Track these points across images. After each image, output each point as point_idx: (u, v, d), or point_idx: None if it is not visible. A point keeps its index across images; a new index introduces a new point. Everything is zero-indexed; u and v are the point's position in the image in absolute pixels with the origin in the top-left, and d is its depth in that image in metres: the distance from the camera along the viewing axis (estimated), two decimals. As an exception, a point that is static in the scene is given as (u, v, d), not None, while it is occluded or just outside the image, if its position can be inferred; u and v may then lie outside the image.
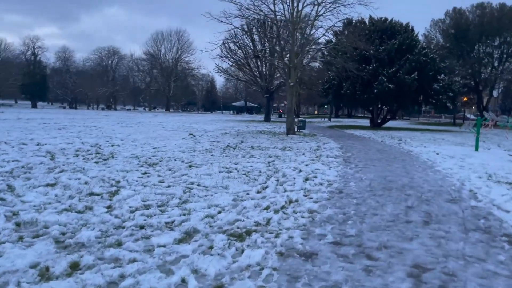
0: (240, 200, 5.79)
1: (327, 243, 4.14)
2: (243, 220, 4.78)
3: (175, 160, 9.74)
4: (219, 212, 5.14)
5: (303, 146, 14.66)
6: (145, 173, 7.81)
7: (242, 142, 15.55)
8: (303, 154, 11.92)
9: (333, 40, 23.65)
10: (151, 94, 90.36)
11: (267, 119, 39.78)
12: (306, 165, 9.65)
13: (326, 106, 70.90)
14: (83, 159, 9.42)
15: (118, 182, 6.79)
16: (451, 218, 5.25)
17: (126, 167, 8.42)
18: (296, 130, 24.72)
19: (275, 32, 18.85)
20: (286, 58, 18.62)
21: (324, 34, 18.90)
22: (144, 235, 4.18)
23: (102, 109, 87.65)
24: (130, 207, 5.20)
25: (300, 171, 8.65)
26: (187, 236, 4.20)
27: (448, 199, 6.43)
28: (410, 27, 29.68)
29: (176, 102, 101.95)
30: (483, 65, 45.03)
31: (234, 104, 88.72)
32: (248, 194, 6.24)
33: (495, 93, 50.91)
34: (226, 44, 33.86)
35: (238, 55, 37.21)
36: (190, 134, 18.64)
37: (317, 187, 7.07)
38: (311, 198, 6.19)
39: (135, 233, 4.23)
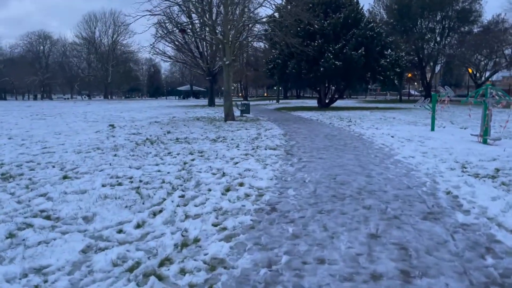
0: (95, 250, 3.39)
1: None
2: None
3: (53, 167, 7.07)
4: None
5: (240, 135, 12.38)
6: (-17, 195, 5.14)
7: (168, 133, 12.99)
8: (237, 147, 9.64)
9: (275, 15, 21.42)
10: (88, 81, 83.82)
11: (211, 104, 37.08)
12: (236, 163, 7.39)
13: (275, 88, 69.23)
14: None
15: None
16: (442, 261, 3.21)
17: (-36, 185, 5.68)
18: (239, 114, 22.48)
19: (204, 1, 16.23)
20: (220, 34, 16.12)
21: (261, 5, 16.47)
22: None
23: (34, 98, 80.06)
24: None
25: (224, 175, 6.36)
26: None
27: (424, 213, 4.45)
28: (355, 0, 28.07)
29: (118, 89, 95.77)
30: (426, 40, 44.99)
31: (179, 88, 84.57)
32: (121, 231, 3.85)
33: (437, 69, 51.65)
34: (161, 23, 30.58)
35: (175, 35, 33.88)
36: (110, 126, 15.73)
37: (240, 203, 4.83)
38: (224, 229, 3.93)
39: None
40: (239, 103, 24.45)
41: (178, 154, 8.41)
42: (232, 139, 11.16)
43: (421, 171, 6.67)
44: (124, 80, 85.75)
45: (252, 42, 30.78)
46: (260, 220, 4.22)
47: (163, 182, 5.81)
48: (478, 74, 41.44)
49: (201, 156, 8.19)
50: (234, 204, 4.75)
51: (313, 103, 38.27)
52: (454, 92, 12.75)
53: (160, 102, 52.94)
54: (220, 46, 16.58)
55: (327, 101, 31.08)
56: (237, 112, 23.56)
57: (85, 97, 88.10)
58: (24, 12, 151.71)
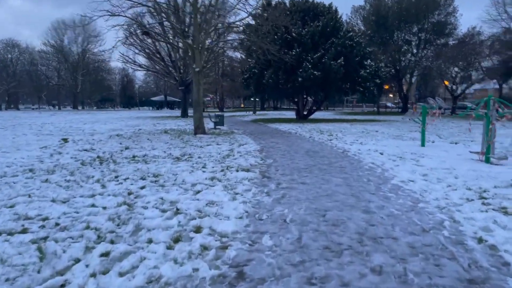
0: None
1: None
2: None
3: (-51, 201, 5.29)
4: None
5: (210, 151, 10.80)
6: None
7: (126, 149, 11.26)
8: (203, 167, 8.06)
9: (251, 21, 20.13)
10: (58, 91, 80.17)
11: (183, 115, 35.26)
12: (197, 192, 5.80)
13: (252, 99, 67.94)
14: None
15: None
16: None
17: None
18: (213, 127, 20.89)
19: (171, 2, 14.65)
20: (190, 39, 14.57)
21: (234, 8, 15.05)
22: None
23: (-1, 109, 75.71)
24: None
25: (177, 212, 4.76)
26: None
27: (462, 280, 3.01)
28: (334, 8, 27.17)
29: (89, 98, 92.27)
30: (403, 52, 44.85)
31: (153, 99, 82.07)
32: None
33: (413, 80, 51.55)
34: (131, 30, 28.71)
35: (145, 41, 32.13)
36: (62, 140, 13.83)
37: (191, 265, 3.26)
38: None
39: None
40: (212, 114, 22.88)
41: (126, 179, 6.73)
42: (199, 157, 9.56)
43: (431, 203, 5.27)
44: (95, 90, 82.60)
45: (226, 50, 29.37)
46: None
47: (88, 227, 4.16)
48: (454, 87, 41.33)
49: (155, 181, 6.55)
50: (182, 269, 3.17)
51: (291, 114, 37.09)
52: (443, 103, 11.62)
53: (131, 113, 50.63)
54: (189, 52, 15.03)
55: (305, 112, 29.89)
56: (210, 124, 21.98)
57: (53, 107, 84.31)
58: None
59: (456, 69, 39.89)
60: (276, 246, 3.75)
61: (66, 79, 73.05)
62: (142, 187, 6.08)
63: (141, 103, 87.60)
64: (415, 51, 45.02)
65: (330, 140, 14.16)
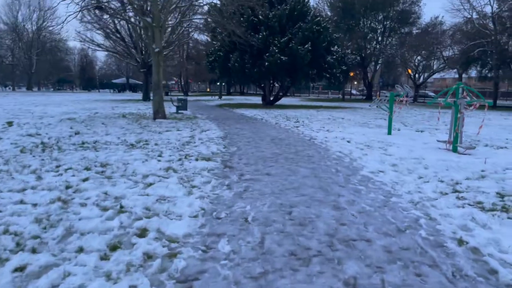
0: None
1: None
2: None
3: None
4: None
5: (168, 137, 10.05)
6: None
7: (76, 134, 10.30)
8: (159, 156, 7.35)
9: (216, 1, 19.22)
10: (12, 71, 75.10)
11: (145, 98, 33.79)
12: (148, 185, 5.13)
13: (218, 83, 66.63)
14: None
15: None
16: None
17: None
18: (175, 111, 19.97)
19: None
20: (149, 16, 13.50)
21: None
22: None
23: None
24: None
25: (120, 211, 4.09)
26: None
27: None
28: (302, -9, 26.54)
29: (46, 79, 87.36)
30: (368, 40, 45.16)
31: (115, 81, 78.80)
32: None
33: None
34: (90, 8, 26.76)
35: (104, 19, 30.22)
36: (7, 123, 12.57)
37: (127, 281, 2.64)
38: None
39: None
40: (174, 98, 21.91)
41: (68, 169, 5.93)
42: (156, 144, 8.81)
43: (403, 196, 4.90)
44: (52, 71, 78.10)
45: (191, 31, 28.20)
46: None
47: (7, 231, 3.42)
48: (417, 75, 42.21)
49: (102, 172, 5.80)
50: (115, 287, 2.55)
51: (257, 100, 36.52)
52: (412, 91, 11.43)
53: (90, 96, 48.20)
54: (149, 32, 14.00)
55: (271, 98, 29.40)
56: (172, 109, 21.05)
57: (8, 88, 79.10)
58: None
59: (419, 57, 40.67)
60: (235, 253, 3.20)
61: (20, 58, 68.49)
62: (85, 179, 5.33)
63: (102, 86, 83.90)
64: (380, 39, 45.45)
65: (297, 127, 13.73)
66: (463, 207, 4.44)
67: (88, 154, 7.28)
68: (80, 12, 19.88)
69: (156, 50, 13.42)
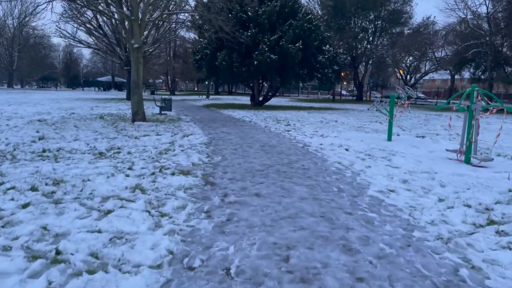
0: None
1: None
2: None
3: None
4: None
5: (145, 144, 8.91)
6: None
7: (40, 139, 9.09)
8: (130, 169, 6.23)
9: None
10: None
11: (129, 97, 32.37)
12: (105, 213, 4.03)
13: (206, 83, 65.21)
14: None
15: None
16: None
17: None
18: (158, 112, 18.78)
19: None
20: (127, 9, 12.32)
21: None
22: None
23: None
24: None
25: (55, 259, 2.98)
26: None
27: None
28: (293, -12, 25.51)
29: (28, 77, 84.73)
30: (359, 40, 44.40)
31: (100, 79, 76.90)
32: None
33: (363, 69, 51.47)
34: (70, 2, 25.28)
35: (86, 15, 28.78)
36: (-35, 126, 11.27)
37: None
38: None
39: None
40: (158, 97, 20.71)
41: (9, 189, 4.76)
42: (129, 153, 7.68)
43: (428, 229, 3.89)
44: (36, 68, 75.64)
45: (178, 28, 26.97)
46: None
47: None
48: (408, 76, 41.62)
49: (51, 194, 4.66)
50: None
51: (246, 100, 35.44)
52: (414, 93, 10.48)
53: (73, 94, 46.45)
54: (127, 25, 12.83)
55: (260, 98, 28.33)
56: (156, 109, 19.88)
57: None
58: None
59: (410, 58, 40.06)
60: None
61: (1, 55, 66.07)
62: (25, 205, 4.19)
63: (87, 84, 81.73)
64: (371, 38, 44.74)
65: (288, 131, 12.70)
66: (510, 248, 3.45)
67: (44, 166, 6.12)
68: (59, 6, 18.42)
69: (135, 45, 12.23)
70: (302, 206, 4.58)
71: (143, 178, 5.66)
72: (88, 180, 5.37)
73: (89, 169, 6.08)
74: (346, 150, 8.85)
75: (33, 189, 4.79)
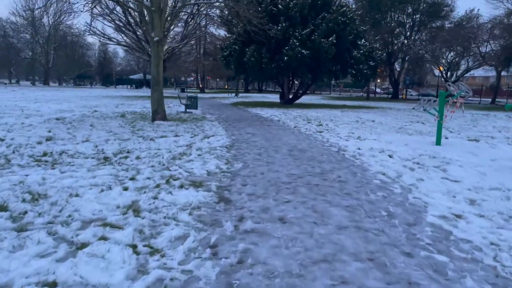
0: None
1: None
2: None
3: None
4: None
5: (159, 147, 7.96)
6: None
7: (48, 140, 8.31)
8: (132, 179, 5.26)
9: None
10: (31, 65, 74.91)
11: (157, 95, 31.97)
12: (77, 249, 3.02)
13: (235, 80, 64.45)
14: None
15: None
16: None
17: None
18: (184, 110, 17.97)
19: None
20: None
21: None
22: None
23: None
24: None
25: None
26: None
27: None
28: (326, -21, 24.06)
29: (64, 75, 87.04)
30: (395, 35, 42.13)
31: (132, 77, 77.77)
32: None
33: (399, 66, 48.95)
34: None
35: (116, 12, 28.45)
36: (-21, 124, 10.76)
37: None
38: None
39: None
40: (183, 95, 19.92)
41: (-27, 208, 3.87)
42: (138, 158, 6.73)
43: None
44: (72, 66, 77.46)
45: (205, 22, 26.12)
46: None
47: None
48: (449, 73, 39.07)
49: (22, 215, 3.71)
50: None
51: (275, 98, 34.24)
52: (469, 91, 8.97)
53: (105, 91, 46.87)
54: (147, 17, 12.00)
55: (290, 96, 27.07)
56: (182, 107, 19.10)
57: (10, 82, 78.54)
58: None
59: (451, 54, 37.53)
60: None
61: (37, 53, 68.01)
62: (-20, 234, 3.24)
63: (119, 82, 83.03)
64: (408, 33, 42.36)
65: (320, 132, 11.46)
66: None
67: (33, 175, 5.23)
68: (92, 3, 17.98)
69: (155, 39, 11.35)
70: (342, 241, 3.40)
71: (144, 192, 4.65)
72: (76, 195, 4.40)
73: (84, 178, 5.15)
74: (390, 156, 7.54)
75: (2, 208, 3.86)
